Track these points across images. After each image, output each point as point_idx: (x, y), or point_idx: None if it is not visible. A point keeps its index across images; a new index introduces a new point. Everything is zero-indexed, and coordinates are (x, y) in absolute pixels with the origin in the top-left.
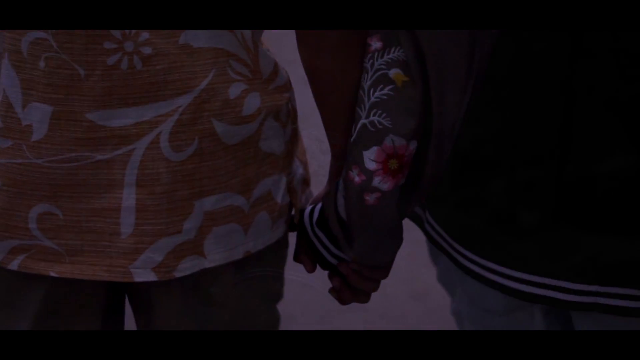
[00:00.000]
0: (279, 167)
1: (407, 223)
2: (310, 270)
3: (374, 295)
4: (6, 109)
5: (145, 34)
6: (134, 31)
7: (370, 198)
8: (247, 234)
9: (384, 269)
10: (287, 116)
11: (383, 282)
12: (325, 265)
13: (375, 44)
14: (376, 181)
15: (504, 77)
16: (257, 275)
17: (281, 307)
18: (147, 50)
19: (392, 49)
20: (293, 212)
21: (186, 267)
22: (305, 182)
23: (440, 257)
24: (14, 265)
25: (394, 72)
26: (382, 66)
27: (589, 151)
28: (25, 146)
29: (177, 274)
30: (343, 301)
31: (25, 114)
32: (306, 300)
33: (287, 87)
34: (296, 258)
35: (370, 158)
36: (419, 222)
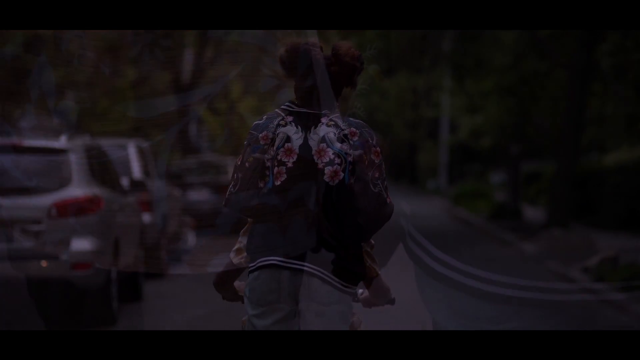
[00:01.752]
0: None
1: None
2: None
3: None
4: (39, 106)
5: None
6: None
7: (356, 184)
8: (286, 235)
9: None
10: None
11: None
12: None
13: None
14: (359, 169)
15: (509, 65)
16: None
17: None
18: (166, 42)
19: (371, 46)
20: None
21: (220, 263)
22: None
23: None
24: (65, 255)
25: (372, 68)
26: (363, 61)
27: (604, 141)
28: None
29: (210, 269)
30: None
31: (56, 110)
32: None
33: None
34: None
35: (354, 147)
36: (401, 234)
